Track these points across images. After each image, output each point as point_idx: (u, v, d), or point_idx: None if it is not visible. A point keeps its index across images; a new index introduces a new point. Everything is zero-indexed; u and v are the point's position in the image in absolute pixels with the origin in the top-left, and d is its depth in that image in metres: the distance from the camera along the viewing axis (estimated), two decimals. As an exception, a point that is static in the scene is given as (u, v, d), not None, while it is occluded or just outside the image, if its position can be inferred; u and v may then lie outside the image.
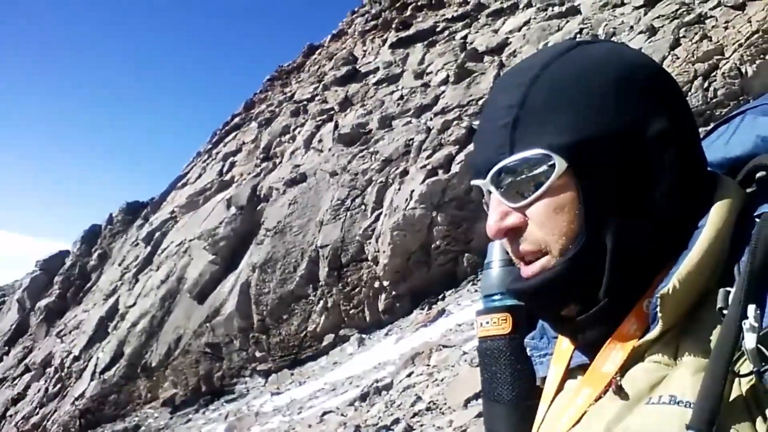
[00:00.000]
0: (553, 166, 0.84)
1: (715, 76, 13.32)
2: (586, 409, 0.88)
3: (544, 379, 1.03)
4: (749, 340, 0.73)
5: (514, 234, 0.89)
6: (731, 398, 0.75)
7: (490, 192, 0.90)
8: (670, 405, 0.78)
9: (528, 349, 1.07)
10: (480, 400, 6.72)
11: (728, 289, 0.78)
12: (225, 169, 25.42)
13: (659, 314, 0.80)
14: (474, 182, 0.93)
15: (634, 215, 0.85)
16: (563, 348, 0.99)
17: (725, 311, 0.77)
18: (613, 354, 0.86)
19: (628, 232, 0.85)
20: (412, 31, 25.04)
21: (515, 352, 1.12)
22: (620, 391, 0.83)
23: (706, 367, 0.76)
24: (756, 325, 0.74)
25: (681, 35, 14.72)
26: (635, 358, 0.84)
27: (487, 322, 1.16)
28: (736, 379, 0.75)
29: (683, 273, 0.81)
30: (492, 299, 1.17)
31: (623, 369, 0.85)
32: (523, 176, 0.86)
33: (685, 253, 0.82)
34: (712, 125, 1.06)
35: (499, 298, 1.16)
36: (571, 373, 0.96)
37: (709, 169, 0.94)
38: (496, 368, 1.14)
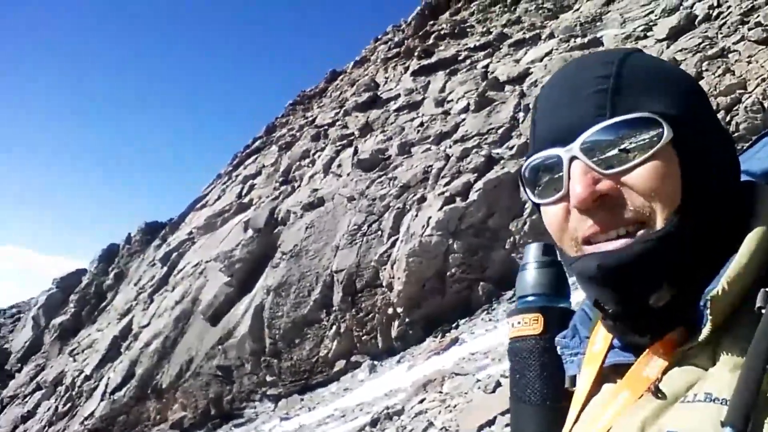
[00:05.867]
0: (660, 132, 0.84)
1: (737, 110, 13.24)
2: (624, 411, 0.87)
3: (572, 378, 1.03)
4: None
5: (609, 201, 0.85)
6: None
7: (572, 159, 0.87)
8: (705, 402, 0.78)
9: (558, 348, 1.07)
10: (493, 427, 6.70)
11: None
12: (244, 192, 25.56)
13: (709, 317, 0.79)
14: (547, 152, 0.90)
15: (715, 199, 0.87)
16: (595, 350, 0.99)
17: (764, 310, 0.77)
18: (654, 359, 0.86)
19: (713, 212, 0.86)
20: (434, 59, 25.23)
21: (545, 353, 1.11)
22: (657, 392, 0.83)
23: (743, 365, 0.76)
24: None
25: (704, 69, 14.67)
26: (675, 360, 0.85)
27: (519, 323, 1.16)
28: None
29: (731, 275, 0.80)
30: (525, 300, 1.18)
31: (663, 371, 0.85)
32: (626, 140, 0.84)
33: (732, 257, 0.82)
34: (754, 137, 1.08)
35: (533, 299, 1.17)
36: (607, 376, 0.96)
37: (751, 179, 0.97)
38: (525, 369, 1.13)
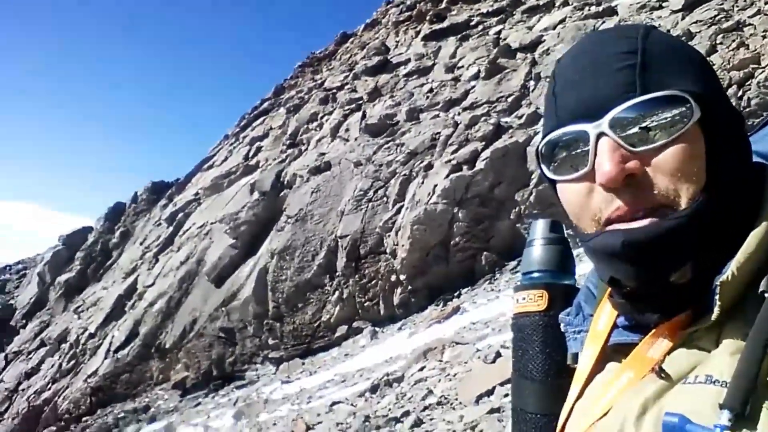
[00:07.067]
0: (689, 110, 0.82)
1: (750, 85, 13.10)
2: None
3: (574, 356, 1.04)
4: None
5: (636, 181, 0.83)
6: None
7: (600, 135, 0.84)
8: (705, 384, 0.78)
9: (562, 325, 1.08)
10: (492, 397, 6.74)
11: None
12: (251, 154, 25.50)
13: (718, 302, 0.79)
14: (572, 127, 0.87)
15: (736, 179, 0.86)
16: (599, 328, 0.99)
17: (767, 294, 0.76)
18: (659, 340, 0.86)
19: (734, 193, 0.85)
20: (446, 24, 24.97)
21: (549, 329, 1.12)
22: (661, 372, 0.83)
23: (744, 348, 0.76)
24: None
25: (718, 42, 14.49)
26: (680, 342, 0.85)
27: (524, 298, 1.16)
28: None
29: (741, 260, 0.80)
30: (530, 276, 1.18)
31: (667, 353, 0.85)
32: (655, 117, 0.83)
33: (744, 240, 0.82)
34: (765, 114, 1.05)
35: (538, 275, 1.17)
36: (610, 355, 0.96)
37: (762, 160, 0.96)
38: (528, 344, 1.14)
